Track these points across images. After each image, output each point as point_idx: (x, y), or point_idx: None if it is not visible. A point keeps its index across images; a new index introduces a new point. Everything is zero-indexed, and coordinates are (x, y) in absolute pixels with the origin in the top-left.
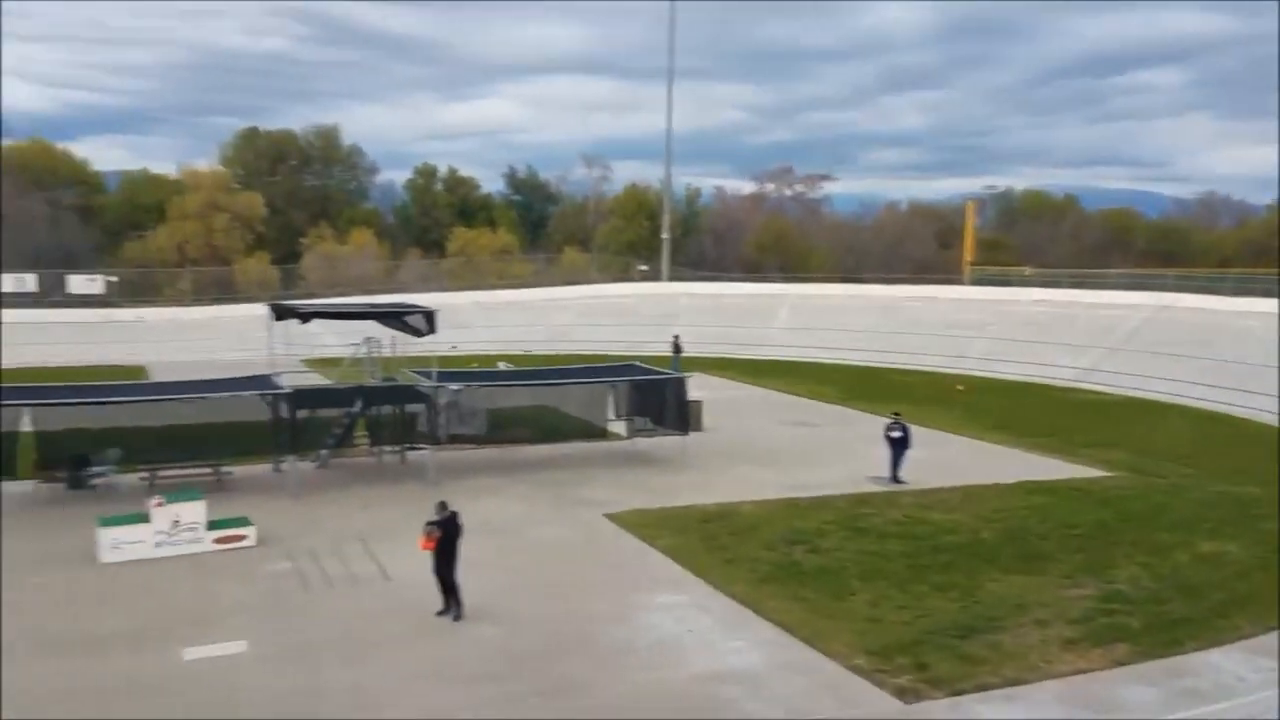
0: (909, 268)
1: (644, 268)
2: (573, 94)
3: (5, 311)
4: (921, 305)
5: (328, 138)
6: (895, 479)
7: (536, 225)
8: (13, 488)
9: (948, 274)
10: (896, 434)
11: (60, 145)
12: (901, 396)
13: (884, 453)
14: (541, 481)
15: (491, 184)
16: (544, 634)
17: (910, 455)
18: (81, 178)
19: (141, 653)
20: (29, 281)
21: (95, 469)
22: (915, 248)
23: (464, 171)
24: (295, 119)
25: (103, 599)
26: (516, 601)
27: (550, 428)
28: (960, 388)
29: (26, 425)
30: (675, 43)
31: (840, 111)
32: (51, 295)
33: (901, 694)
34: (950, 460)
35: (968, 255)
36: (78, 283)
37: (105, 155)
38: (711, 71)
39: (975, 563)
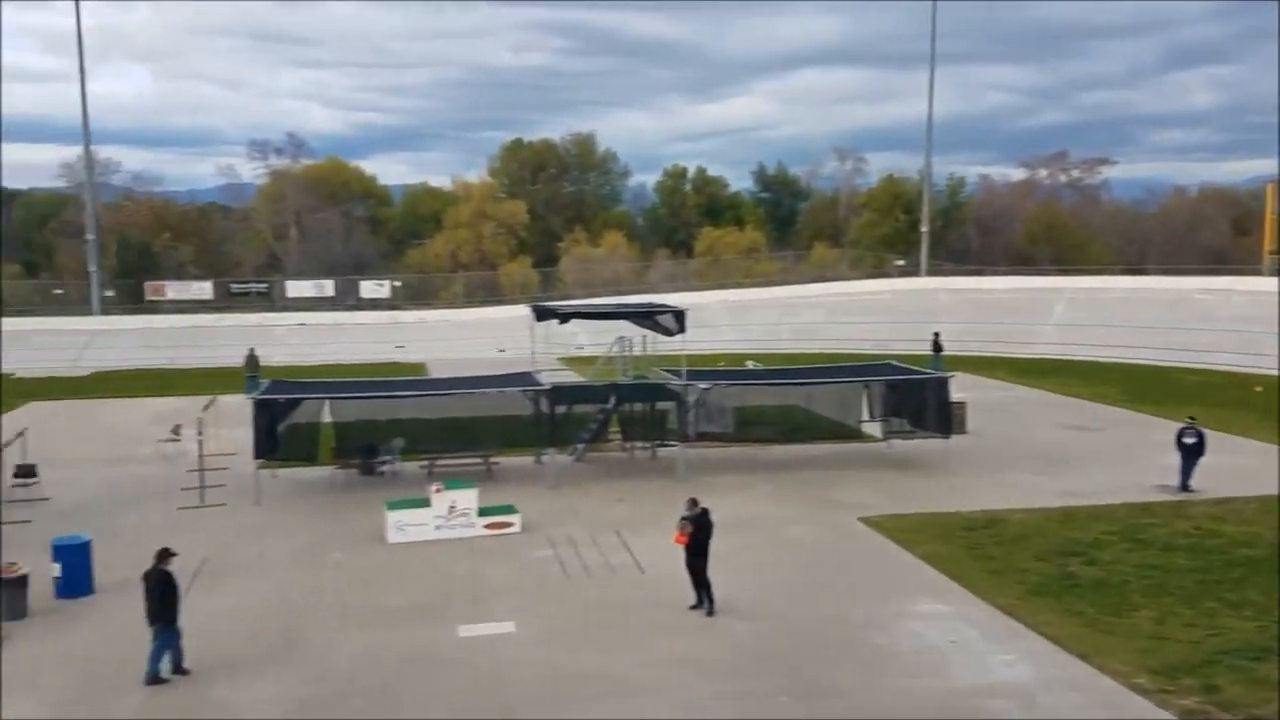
0: (1200, 258)
1: (900, 262)
2: (825, 86)
3: (309, 315)
4: (1214, 299)
5: (584, 145)
6: (1185, 487)
7: (785, 222)
8: (316, 473)
9: (1245, 264)
10: (1191, 440)
11: (352, 163)
12: (1193, 398)
13: (1171, 459)
14: (791, 481)
15: (740, 182)
16: (796, 634)
17: (1202, 462)
18: (370, 192)
19: (424, 627)
20: (327, 287)
21: (383, 457)
22: (1207, 236)
23: (712, 171)
24: (556, 128)
25: (390, 576)
26: (768, 600)
27: (799, 427)
28: (1258, 389)
29: (326, 416)
30: (937, 26)
31: (1119, 90)
32: (346, 299)
33: (1188, 716)
34: (1247, 468)
35: (1268, 243)
36: (368, 288)
37: (390, 170)
38: (974, 54)
39: (1274, 579)
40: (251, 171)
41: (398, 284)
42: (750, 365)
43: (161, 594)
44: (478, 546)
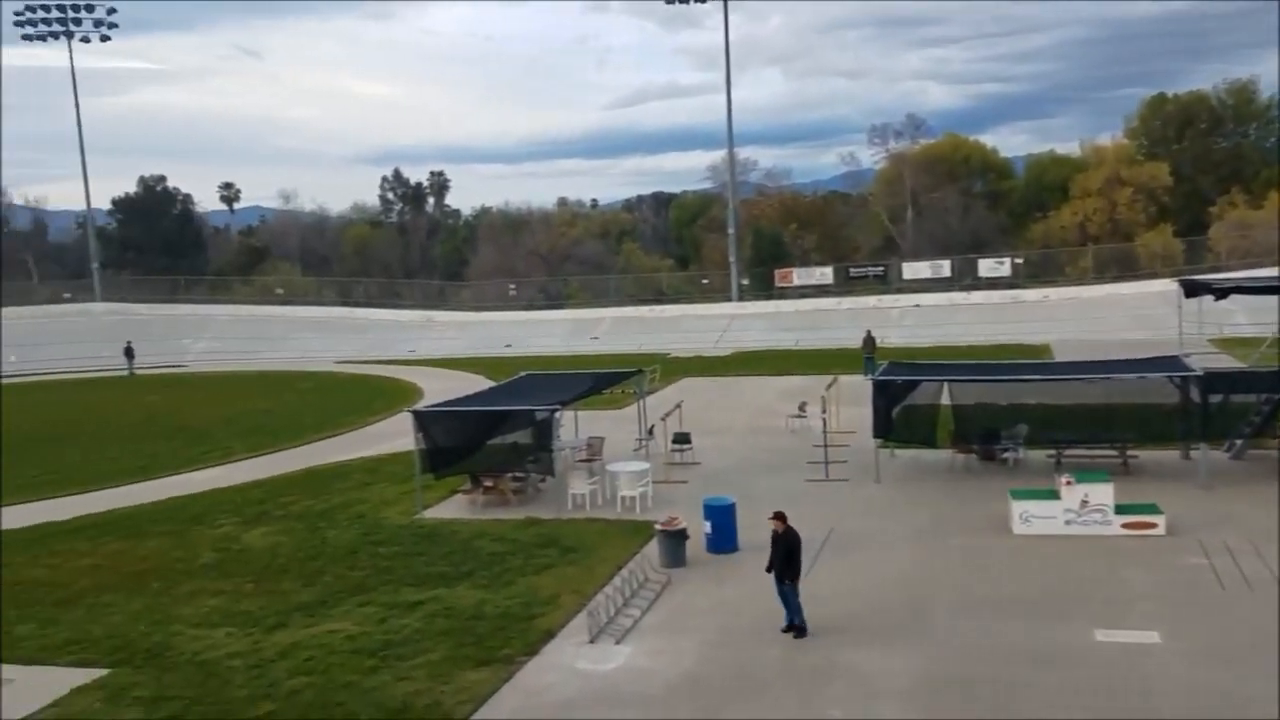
0: None
1: None
2: None
3: (923, 296)
4: None
5: (1241, 93)
6: None
7: None
8: (934, 455)
9: None
10: None
11: (971, 138)
12: None
13: None
14: None
15: None
16: None
17: None
18: (990, 165)
19: (1053, 624)
20: (944, 267)
21: (1004, 444)
22: None
23: None
24: (1206, 78)
25: (1014, 567)
26: None
27: None
28: None
29: (945, 399)
30: None
31: None
32: (963, 279)
33: None
34: None
35: None
36: (986, 266)
37: (1010, 142)
38: None
39: None
40: (871, 157)
41: (1019, 261)
42: None
43: (788, 553)
44: (1114, 546)
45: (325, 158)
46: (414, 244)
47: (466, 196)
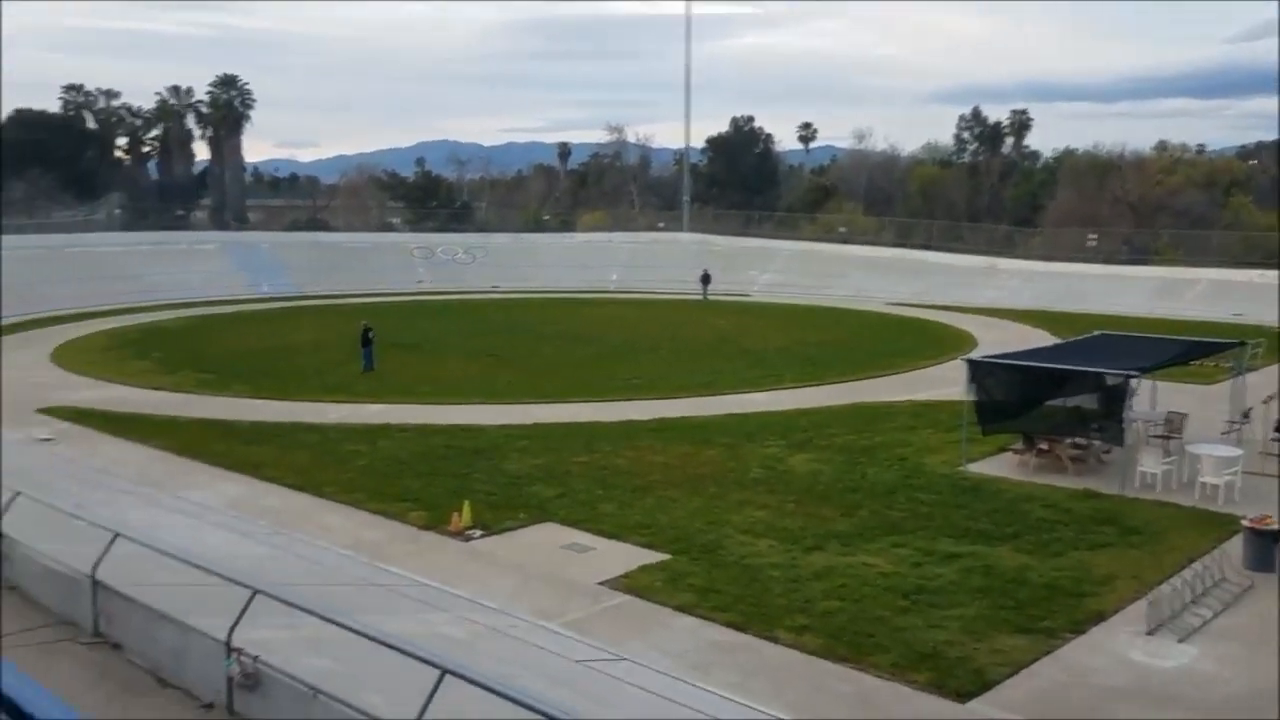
0: None
1: None
2: None
3: None
4: None
5: None
6: None
7: None
8: None
9: None
10: None
11: None
12: None
13: None
14: None
15: None
16: None
17: None
18: None
19: None
20: None
21: None
22: None
23: None
24: None
25: None
26: None
27: None
28: None
29: None
30: None
31: None
32: None
33: None
34: None
35: None
36: None
37: None
38: None
39: None
40: None
41: None
42: None
43: None
44: None
45: (902, 96)
46: (984, 186)
47: (1048, 137)
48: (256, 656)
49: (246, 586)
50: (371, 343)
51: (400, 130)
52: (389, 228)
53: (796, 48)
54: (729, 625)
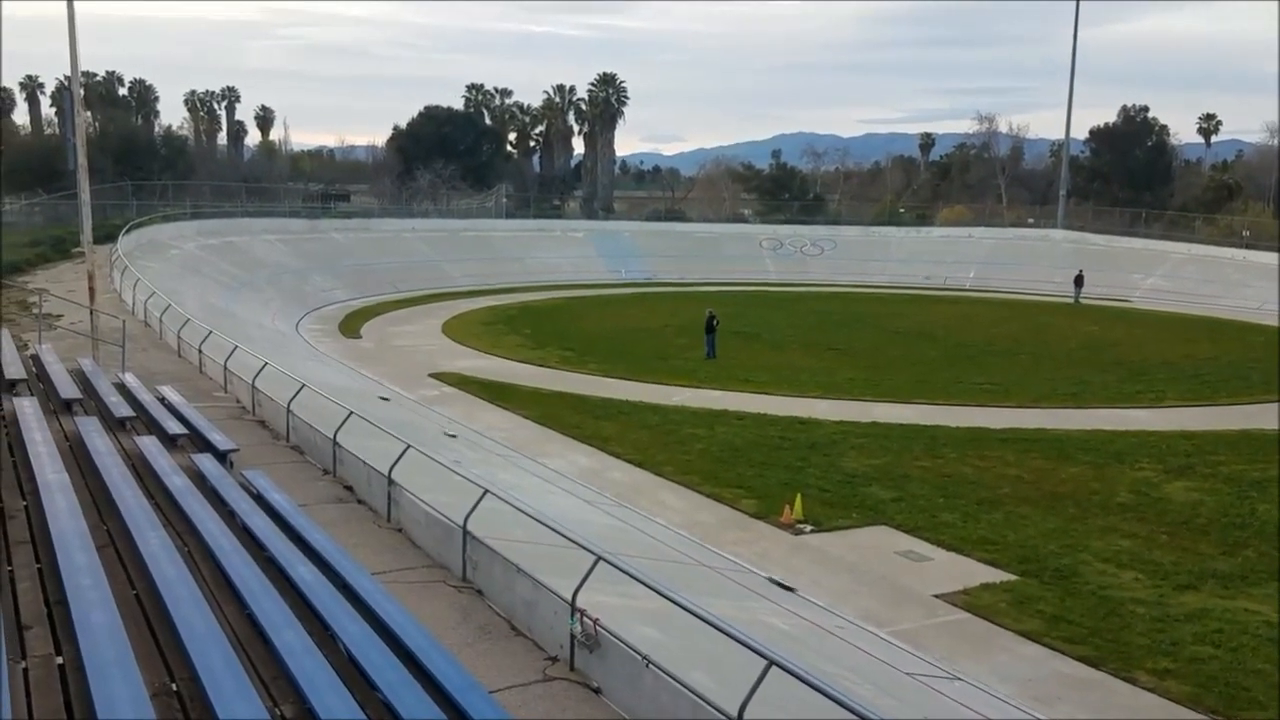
0: None
1: None
2: None
3: None
4: None
5: None
6: None
7: None
8: None
9: None
10: None
11: None
12: None
13: None
14: None
15: None
16: None
17: None
18: None
19: None
20: None
21: None
22: None
23: None
24: None
25: None
26: None
27: None
28: None
29: None
30: None
31: None
32: None
33: None
34: None
35: None
36: None
37: None
38: None
39: None
40: None
41: None
42: None
43: None
44: None
45: None
46: None
47: None
48: (597, 619)
49: (592, 552)
50: (715, 330)
51: (759, 123)
52: (740, 219)
53: (1201, 31)
54: (1080, 659)
